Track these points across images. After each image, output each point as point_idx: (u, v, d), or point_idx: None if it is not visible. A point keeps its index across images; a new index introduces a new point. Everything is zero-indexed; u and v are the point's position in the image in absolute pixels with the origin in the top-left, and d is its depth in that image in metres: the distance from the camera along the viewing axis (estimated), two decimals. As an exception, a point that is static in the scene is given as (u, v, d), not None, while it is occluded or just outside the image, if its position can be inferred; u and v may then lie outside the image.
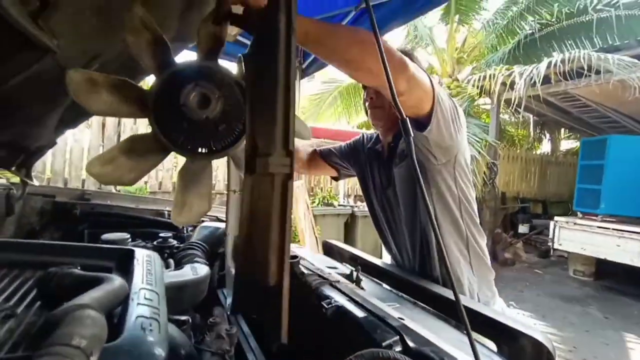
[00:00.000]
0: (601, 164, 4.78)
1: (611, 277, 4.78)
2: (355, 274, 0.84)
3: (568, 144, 10.28)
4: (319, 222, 3.27)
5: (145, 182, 3.94)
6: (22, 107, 0.63)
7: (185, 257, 0.82)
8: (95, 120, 3.56)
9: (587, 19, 5.13)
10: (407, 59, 0.72)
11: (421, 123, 0.81)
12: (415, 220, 0.99)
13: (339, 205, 4.26)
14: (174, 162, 4.00)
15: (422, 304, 0.83)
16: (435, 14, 6.71)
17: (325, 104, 6.90)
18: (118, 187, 3.27)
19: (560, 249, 4.96)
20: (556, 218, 5.03)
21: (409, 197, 0.99)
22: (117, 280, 0.44)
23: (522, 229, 6.64)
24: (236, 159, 0.55)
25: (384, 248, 1.22)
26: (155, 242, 0.90)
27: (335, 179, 1.39)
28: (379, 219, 1.15)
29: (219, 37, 0.50)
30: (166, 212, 1.21)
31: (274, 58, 0.41)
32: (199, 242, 0.92)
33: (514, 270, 5.27)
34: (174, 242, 0.94)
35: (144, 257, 0.54)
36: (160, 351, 0.35)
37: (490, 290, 1.03)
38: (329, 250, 1.28)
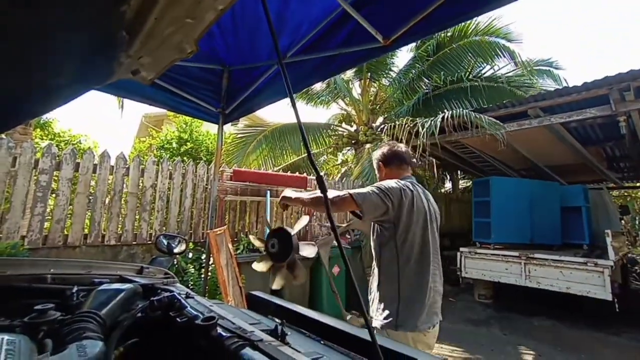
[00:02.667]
0: (488, 200, 5.73)
1: (506, 297, 5.54)
2: (279, 328, 0.80)
3: (465, 182, 12.13)
4: (245, 270, 3.06)
5: (23, 237, 2.93)
6: None
7: (71, 334, 0.66)
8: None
9: (463, 85, 6.48)
10: (331, 194, 1.41)
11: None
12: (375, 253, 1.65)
13: (267, 249, 4.07)
14: (69, 210, 3.40)
15: (344, 350, 0.81)
16: (350, 70, 7.60)
17: (250, 148, 6.91)
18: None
19: (467, 277, 5.58)
20: (461, 249, 5.69)
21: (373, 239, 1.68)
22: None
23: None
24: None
25: None
26: (26, 319, 0.71)
27: None
28: None
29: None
30: (49, 277, 0.96)
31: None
32: (92, 311, 0.76)
33: (432, 300, 5.68)
34: (57, 315, 0.75)
35: (2, 346, 0.42)
36: None
37: (412, 313, 1.56)
38: (254, 302, 1.20)
